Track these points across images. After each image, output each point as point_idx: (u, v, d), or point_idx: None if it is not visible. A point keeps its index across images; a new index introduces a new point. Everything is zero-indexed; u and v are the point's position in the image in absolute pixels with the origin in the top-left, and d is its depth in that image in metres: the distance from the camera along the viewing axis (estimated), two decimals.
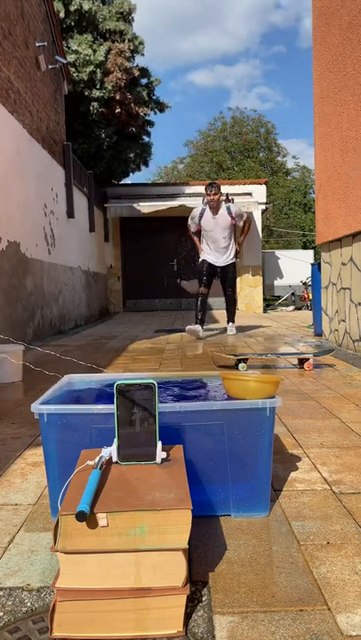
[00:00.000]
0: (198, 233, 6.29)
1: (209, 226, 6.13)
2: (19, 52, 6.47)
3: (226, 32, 56.04)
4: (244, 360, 3.87)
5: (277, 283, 16.08)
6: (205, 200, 6.11)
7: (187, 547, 1.00)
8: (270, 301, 15.78)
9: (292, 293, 14.89)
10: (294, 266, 15.58)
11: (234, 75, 58.16)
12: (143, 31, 49.62)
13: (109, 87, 10.48)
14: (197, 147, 30.67)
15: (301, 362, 3.93)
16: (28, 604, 1.07)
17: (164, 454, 1.22)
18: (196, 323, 6.11)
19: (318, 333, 6.20)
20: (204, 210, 6.15)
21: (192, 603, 1.06)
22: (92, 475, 1.09)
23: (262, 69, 58.49)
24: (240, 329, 7.18)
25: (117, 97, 10.67)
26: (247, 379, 1.48)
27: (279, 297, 15.84)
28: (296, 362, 4.12)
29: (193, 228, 6.29)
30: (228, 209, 6.12)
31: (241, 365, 3.81)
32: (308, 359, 3.88)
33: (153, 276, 13.50)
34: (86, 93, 10.40)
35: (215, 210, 6.08)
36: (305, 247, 25.91)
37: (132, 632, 0.97)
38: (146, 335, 6.85)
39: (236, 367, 3.82)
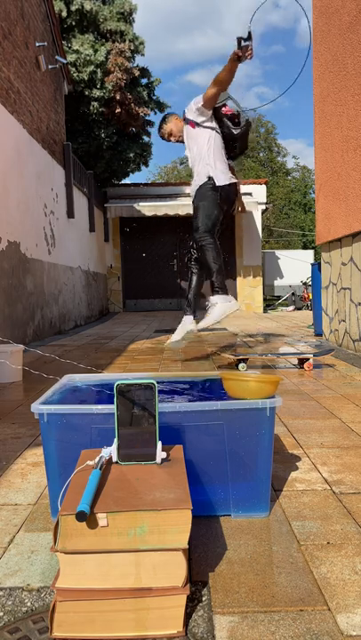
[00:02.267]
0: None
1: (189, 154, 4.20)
2: (19, 51, 6.47)
3: (224, 32, 56.04)
4: (245, 360, 3.87)
5: (277, 283, 16.08)
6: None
7: (187, 547, 1.00)
8: (270, 301, 15.78)
9: (293, 293, 14.89)
10: (294, 266, 15.59)
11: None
12: (141, 31, 49.65)
13: (110, 87, 10.49)
14: None
15: (302, 362, 3.93)
16: (28, 604, 1.07)
17: (164, 454, 1.22)
18: (187, 313, 4.17)
19: (318, 333, 6.20)
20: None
21: (192, 603, 1.06)
22: (92, 475, 1.09)
23: (261, 69, 58.46)
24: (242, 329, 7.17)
25: (117, 97, 10.67)
26: (246, 379, 1.48)
27: (279, 297, 15.84)
28: (296, 362, 4.12)
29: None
30: (184, 115, 4.14)
31: (241, 365, 3.81)
32: (309, 359, 3.88)
33: (153, 276, 13.51)
34: (86, 93, 10.40)
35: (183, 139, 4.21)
36: (305, 247, 25.92)
37: (132, 632, 0.97)
38: (146, 335, 6.85)
39: (236, 367, 3.82)
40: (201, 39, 56.52)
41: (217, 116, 4.08)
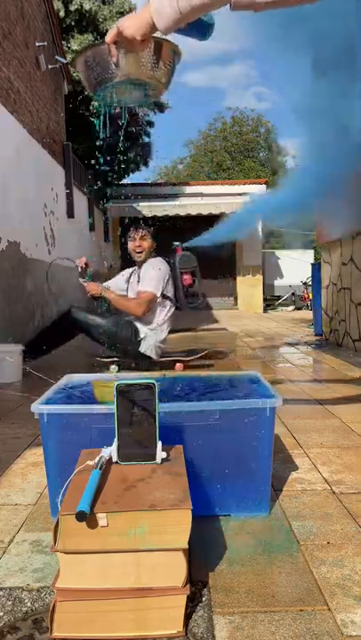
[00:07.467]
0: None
1: None
2: (19, 52, 6.47)
3: (221, 32, 55.77)
4: (117, 362, 3.71)
5: (277, 283, 16.07)
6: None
7: (187, 547, 1.00)
8: (270, 301, 15.77)
9: (293, 293, 14.89)
10: (294, 266, 15.58)
11: (229, 74, 57.94)
12: None
13: None
14: (197, 147, 30.67)
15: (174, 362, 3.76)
16: (28, 604, 1.07)
17: (164, 454, 1.21)
18: None
19: (318, 333, 6.20)
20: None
21: (192, 603, 1.06)
22: (92, 475, 1.08)
23: (259, 69, 58.27)
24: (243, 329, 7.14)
25: None
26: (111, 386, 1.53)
27: (279, 297, 15.83)
28: (299, 362, 4.13)
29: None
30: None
31: (112, 367, 3.66)
32: (181, 361, 3.75)
33: None
34: (87, 93, 10.39)
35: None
36: (305, 247, 25.89)
37: (132, 632, 0.97)
38: None
39: (108, 369, 3.67)
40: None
41: None
